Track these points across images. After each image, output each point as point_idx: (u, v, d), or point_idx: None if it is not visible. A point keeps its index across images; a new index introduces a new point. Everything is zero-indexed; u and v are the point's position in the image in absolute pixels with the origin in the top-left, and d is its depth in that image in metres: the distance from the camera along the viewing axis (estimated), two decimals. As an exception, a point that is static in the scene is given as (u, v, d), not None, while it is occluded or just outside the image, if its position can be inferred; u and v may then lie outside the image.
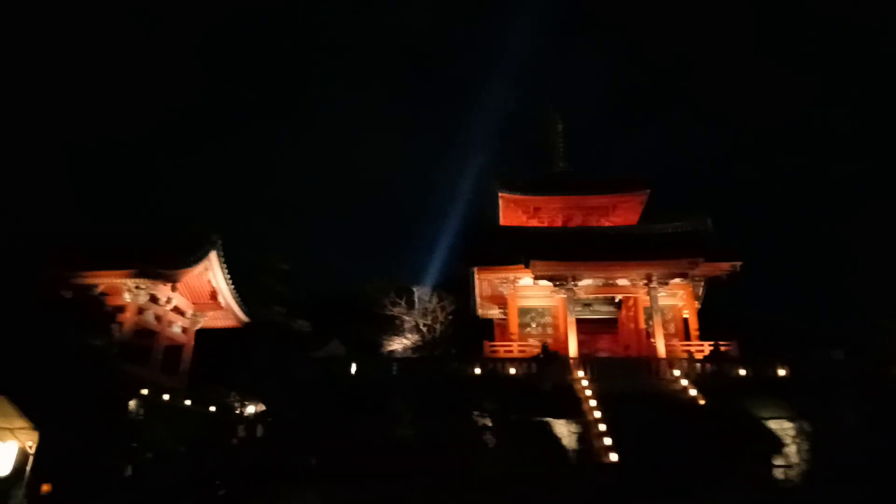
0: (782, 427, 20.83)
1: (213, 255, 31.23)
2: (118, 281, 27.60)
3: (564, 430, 20.52)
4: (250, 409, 31.53)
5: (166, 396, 28.92)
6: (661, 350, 27.27)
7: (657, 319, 28.27)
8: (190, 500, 15.52)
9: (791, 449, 20.41)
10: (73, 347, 18.71)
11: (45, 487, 14.36)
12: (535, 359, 25.40)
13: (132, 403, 23.18)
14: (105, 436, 16.99)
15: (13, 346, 15.90)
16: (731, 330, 29.37)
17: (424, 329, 37.60)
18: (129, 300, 28.14)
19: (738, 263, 30.39)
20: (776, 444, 20.56)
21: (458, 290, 37.35)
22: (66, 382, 16.45)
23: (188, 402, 29.75)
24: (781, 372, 23.88)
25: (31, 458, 9.20)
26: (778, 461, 19.79)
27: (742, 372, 24.15)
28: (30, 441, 9.13)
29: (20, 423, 9.23)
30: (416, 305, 38.88)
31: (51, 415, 11.08)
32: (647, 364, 25.81)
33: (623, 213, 40.13)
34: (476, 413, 19.78)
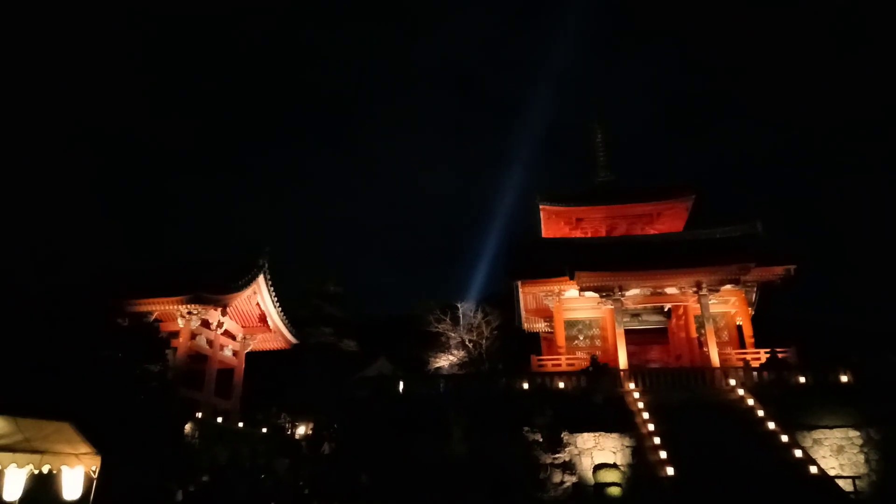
0: (848, 436, 19.95)
1: (260, 280, 31.96)
2: (171, 307, 28.47)
3: (618, 444, 20.09)
4: (301, 430, 31.87)
5: (220, 419, 29.53)
6: (715, 359, 26.48)
7: (709, 328, 27.50)
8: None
9: (859, 458, 19.51)
10: (132, 373, 19.26)
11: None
12: (584, 372, 24.98)
13: (188, 427, 23.69)
14: (163, 459, 17.38)
15: (75, 374, 16.48)
16: (789, 335, 28.36)
17: (470, 345, 37.44)
18: (181, 326, 28.97)
19: (793, 267, 29.41)
20: (842, 454, 19.69)
21: (502, 304, 37.16)
22: (126, 408, 16.94)
23: (241, 424, 30.29)
24: (844, 378, 22.89)
25: (94, 483, 9.46)
26: (845, 472, 18.93)
27: (802, 379, 23.24)
28: (93, 465, 9.40)
29: (84, 448, 9.51)
30: (461, 321, 38.78)
31: (112, 440, 11.42)
32: (700, 374, 25.09)
33: (668, 220, 39.38)
34: (526, 429, 19.51)
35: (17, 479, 9.19)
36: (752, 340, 29.71)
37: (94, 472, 9.38)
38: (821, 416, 20.54)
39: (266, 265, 32.28)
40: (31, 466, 8.52)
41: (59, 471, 9.06)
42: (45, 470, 8.78)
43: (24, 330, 17.18)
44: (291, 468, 21.85)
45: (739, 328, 31.77)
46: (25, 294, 19.00)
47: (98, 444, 9.82)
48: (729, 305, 31.75)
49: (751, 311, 31.75)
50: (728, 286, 28.37)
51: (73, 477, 9.40)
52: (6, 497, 9.30)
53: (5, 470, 8.37)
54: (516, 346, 36.50)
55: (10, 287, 18.60)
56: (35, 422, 9.27)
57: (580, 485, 18.66)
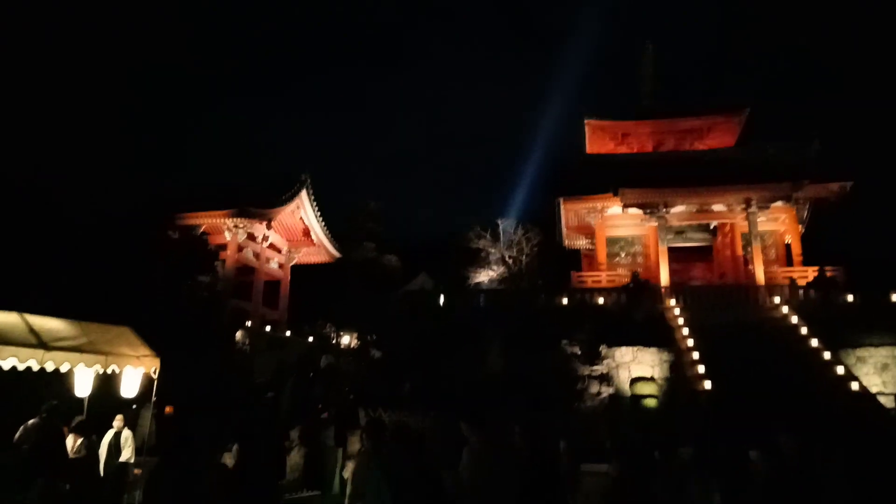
0: (894, 354, 19.67)
1: (303, 194, 32.47)
2: (219, 220, 29.26)
3: (656, 359, 20.28)
4: (345, 340, 33.11)
5: (268, 328, 30.83)
6: (760, 277, 26.05)
7: (756, 246, 26.89)
8: (297, 422, 16.66)
9: (904, 377, 19.30)
10: (184, 283, 20.08)
11: (168, 409, 15.86)
12: (624, 288, 24.90)
13: (238, 334, 24.85)
14: (216, 363, 18.35)
15: (135, 283, 17.28)
16: (839, 256, 27.55)
17: (510, 261, 37.68)
18: (229, 239, 29.87)
19: (849, 184, 28.14)
20: (886, 372, 19.50)
21: (543, 221, 36.99)
22: (181, 314, 17.78)
23: (288, 334, 31.60)
24: (895, 297, 22.32)
25: (155, 383, 10.09)
26: (888, 389, 18.80)
27: (850, 298, 22.77)
28: (154, 367, 10.00)
29: (144, 350, 10.10)
30: (502, 238, 38.88)
31: (169, 343, 12.06)
32: (744, 292, 24.79)
33: (719, 135, 37.78)
34: (565, 342, 19.76)
35: (86, 377, 9.91)
36: (801, 259, 28.99)
37: (155, 372, 10.00)
38: (867, 335, 20.20)
39: (309, 181, 32.69)
40: (98, 366, 9.12)
41: (123, 371, 9.70)
42: (110, 370, 9.39)
43: (78, 255, 17.85)
44: (338, 376, 22.84)
45: (788, 246, 30.99)
46: (73, 225, 19.53)
47: (156, 348, 10.41)
48: (778, 223, 30.83)
49: (801, 228, 30.82)
50: (778, 203, 27.48)
51: (134, 377, 10.09)
52: (78, 393, 10.07)
53: (74, 369, 8.98)
54: (556, 263, 36.53)
55: (59, 218, 19.19)
56: (99, 326, 9.84)
57: (616, 396, 19.04)
